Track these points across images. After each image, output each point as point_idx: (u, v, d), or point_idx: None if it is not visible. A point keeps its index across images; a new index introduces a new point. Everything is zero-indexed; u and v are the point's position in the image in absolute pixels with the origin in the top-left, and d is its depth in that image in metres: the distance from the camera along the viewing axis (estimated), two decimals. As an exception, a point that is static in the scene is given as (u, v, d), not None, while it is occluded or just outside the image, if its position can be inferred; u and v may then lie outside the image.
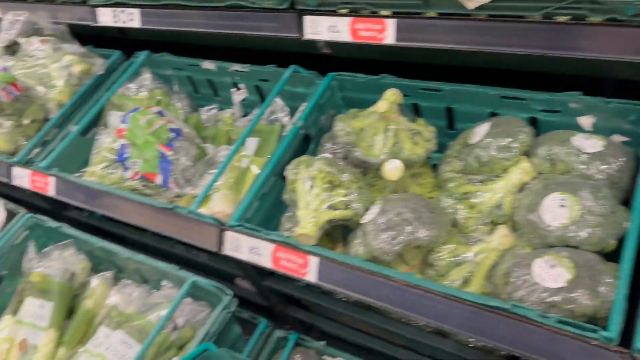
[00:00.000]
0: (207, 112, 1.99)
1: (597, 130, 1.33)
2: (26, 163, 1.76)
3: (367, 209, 1.24)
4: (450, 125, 1.54)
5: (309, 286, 1.55)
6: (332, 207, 1.24)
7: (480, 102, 1.44)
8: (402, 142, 1.38)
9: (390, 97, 1.36)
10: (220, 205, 1.53)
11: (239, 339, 1.48)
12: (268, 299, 1.59)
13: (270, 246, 1.27)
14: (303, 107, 1.57)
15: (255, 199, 1.41)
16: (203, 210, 1.50)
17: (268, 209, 1.46)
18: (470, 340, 1.24)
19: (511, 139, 1.30)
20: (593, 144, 1.24)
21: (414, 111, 1.55)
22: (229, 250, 1.34)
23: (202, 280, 1.40)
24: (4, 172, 1.78)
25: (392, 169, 1.33)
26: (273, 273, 1.50)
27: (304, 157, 1.31)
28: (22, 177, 1.72)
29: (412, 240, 1.13)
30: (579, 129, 1.35)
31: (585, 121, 1.33)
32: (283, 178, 1.50)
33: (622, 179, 1.21)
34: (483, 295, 1.17)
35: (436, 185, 1.47)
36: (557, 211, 1.08)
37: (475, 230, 1.29)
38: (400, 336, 1.36)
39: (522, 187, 1.29)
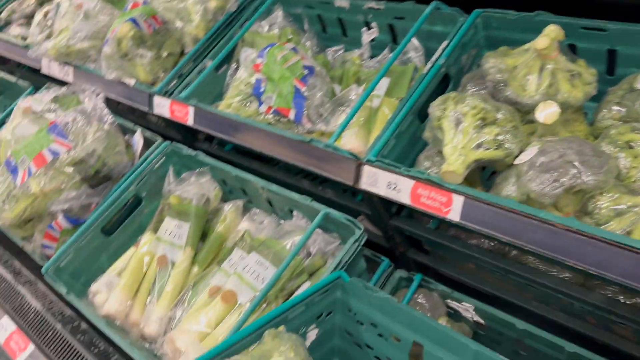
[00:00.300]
0: (334, 54, 1.96)
1: None
2: (165, 93, 1.84)
3: (520, 151, 1.17)
4: (610, 71, 1.41)
5: (438, 228, 1.51)
6: (483, 146, 1.18)
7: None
8: (559, 83, 1.28)
9: (552, 33, 1.26)
10: (353, 141, 1.52)
11: (364, 274, 1.48)
12: (391, 240, 1.58)
13: (410, 182, 1.24)
14: (444, 45, 1.50)
15: (392, 136, 1.38)
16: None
17: (403, 148, 1.42)
18: (620, 296, 1.16)
19: (691, 84, 1.17)
20: None
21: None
22: (365, 184, 1.33)
23: (335, 212, 1.41)
24: (145, 101, 1.88)
25: (548, 112, 1.24)
26: (400, 213, 1.48)
27: (452, 93, 1.26)
28: (162, 106, 1.80)
29: (577, 184, 1.05)
30: None
31: None
32: (420, 117, 1.46)
33: None
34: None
35: (589, 134, 1.36)
36: None
37: (637, 180, 1.19)
38: (536, 287, 1.30)
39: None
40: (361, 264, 1.44)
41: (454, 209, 1.18)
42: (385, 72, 1.55)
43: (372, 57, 1.89)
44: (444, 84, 1.51)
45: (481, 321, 1.41)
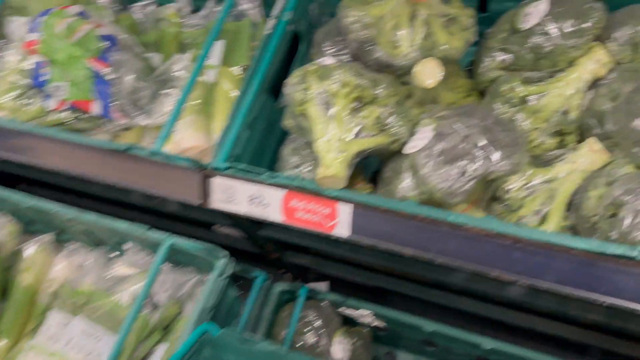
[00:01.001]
0: (143, 10, 1.51)
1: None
2: None
3: (410, 132, 0.91)
4: (482, 7, 1.19)
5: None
6: (363, 133, 0.90)
7: (528, -28, 1.08)
8: (436, 34, 1.02)
9: (419, -29, 0.98)
10: (191, 137, 1.15)
11: (235, 302, 1.18)
12: (262, 248, 1.28)
13: (280, 193, 0.93)
14: (284, -4, 1.16)
15: (244, 127, 1.04)
16: (171, 148, 1.11)
17: (260, 141, 1.09)
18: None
19: (581, 20, 0.98)
20: (689, 19, 0.95)
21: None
22: (219, 202, 0.99)
23: (184, 242, 1.06)
24: None
25: (428, 72, 0.99)
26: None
27: (312, 66, 0.94)
28: None
29: (490, 173, 0.83)
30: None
31: (671, -11, 1.03)
32: (274, 94, 1.13)
33: None
34: (563, 230, 0.92)
35: (471, 89, 1.15)
36: (679, 116, 0.80)
37: (541, 145, 1.00)
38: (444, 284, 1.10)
39: (593, 84, 1.00)
40: (230, 293, 1.12)
41: (341, 222, 0.90)
42: (217, 32, 1.17)
43: (195, 10, 1.48)
44: (294, 45, 1.18)
45: (383, 324, 1.20)
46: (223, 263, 1.03)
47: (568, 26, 0.98)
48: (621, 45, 0.98)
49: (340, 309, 1.22)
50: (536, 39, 1.01)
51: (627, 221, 0.78)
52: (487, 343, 1.07)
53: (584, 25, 0.98)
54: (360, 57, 1.06)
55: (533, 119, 0.99)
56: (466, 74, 1.16)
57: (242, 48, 1.29)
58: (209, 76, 1.25)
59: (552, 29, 0.99)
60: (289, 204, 0.93)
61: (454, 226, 0.82)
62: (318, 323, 1.18)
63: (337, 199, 0.89)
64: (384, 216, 0.87)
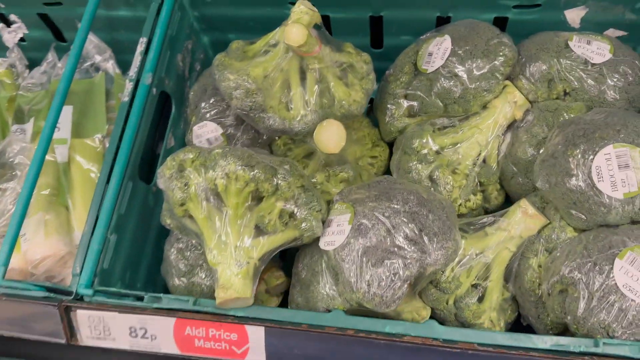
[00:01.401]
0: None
1: (585, 27, 0.97)
2: None
3: (322, 219, 0.74)
4: (376, 42, 1.05)
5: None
6: (266, 232, 0.72)
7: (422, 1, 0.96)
8: (332, 89, 0.87)
9: (304, 17, 0.81)
10: (43, 244, 0.90)
11: None
12: None
13: (168, 322, 0.73)
14: (141, 48, 0.94)
15: (110, 229, 0.81)
16: (18, 265, 0.86)
17: (133, 240, 0.87)
18: None
19: (490, 58, 0.87)
20: (598, 49, 0.87)
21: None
22: (90, 338, 0.76)
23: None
24: None
25: (330, 136, 0.84)
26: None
27: (189, 153, 0.74)
28: None
29: (426, 270, 0.69)
30: (559, 27, 0.97)
31: (574, 15, 0.95)
32: (146, 173, 0.92)
33: (638, 95, 0.88)
34: (505, 302, 0.81)
35: (378, 138, 1.01)
36: (617, 174, 0.71)
37: (466, 204, 0.89)
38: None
39: (509, 127, 0.90)
40: None
41: (253, 348, 0.72)
42: (64, 94, 0.91)
43: (30, 65, 1.20)
44: (163, 106, 0.97)
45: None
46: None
47: (477, 67, 0.87)
48: (535, 82, 0.89)
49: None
50: (443, 83, 0.88)
51: (582, 304, 0.68)
52: None
53: (494, 64, 0.87)
54: (249, 122, 0.88)
55: (453, 176, 0.87)
56: (369, 121, 1.02)
57: (97, 112, 1.05)
58: (60, 154, 1.00)
59: (460, 71, 0.87)
60: (183, 333, 0.73)
61: (393, 338, 0.68)
62: None
63: (244, 321, 0.71)
64: (305, 335, 0.70)
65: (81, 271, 0.78)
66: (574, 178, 0.73)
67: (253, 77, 0.81)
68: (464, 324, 0.80)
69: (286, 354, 0.71)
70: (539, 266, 0.78)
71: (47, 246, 0.88)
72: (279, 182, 0.70)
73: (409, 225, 0.68)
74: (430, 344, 0.67)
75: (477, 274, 0.81)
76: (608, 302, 0.66)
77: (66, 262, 0.89)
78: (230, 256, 0.70)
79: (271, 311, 0.71)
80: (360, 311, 0.71)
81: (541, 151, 0.82)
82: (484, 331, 0.67)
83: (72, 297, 0.77)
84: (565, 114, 0.86)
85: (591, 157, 0.72)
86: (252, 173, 0.69)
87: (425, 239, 0.68)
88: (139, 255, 0.89)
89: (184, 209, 0.73)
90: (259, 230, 0.72)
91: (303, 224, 0.72)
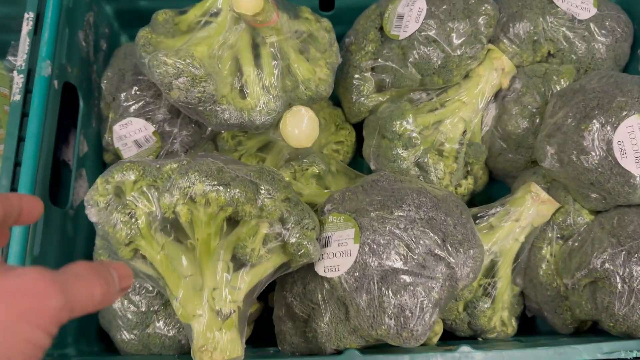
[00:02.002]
0: None
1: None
2: None
3: (317, 236, 0.59)
4: (325, 3, 0.88)
5: None
6: (246, 262, 0.55)
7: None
8: (293, 66, 0.70)
9: (260, -22, 0.63)
10: None
11: None
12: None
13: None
14: (29, 27, 0.70)
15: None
16: None
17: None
18: None
19: (472, 19, 0.75)
20: (582, 3, 0.78)
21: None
22: None
23: None
24: None
25: (302, 126, 0.67)
26: None
27: (130, 170, 0.54)
28: None
29: (456, 288, 0.56)
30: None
31: (550, -35, 0.85)
32: (55, 199, 0.70)
33: (624, 52, 0.80)
34: (513, 297, 0.72)
35: (340, 119, 0.86)
36: (641, 149, 0.63)
37: (457, 189, 0.78)
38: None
39: (492, 98, 0.80)
40: None
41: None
42: None
43: None
44: (69, 102, 0.74)
45: None
46: None
47: (458, 30, 0.74)
48: (520, 44, 0.78)
49: None
50: (421, 52, 0.75)
51: (621, 301, 0.60)
52: None
53: (477, 26, 0.75)
54: (193, 117, 0.69)
55: (444, 160, 0.75)
56: (328, 101, 0.87)
57: (-25, 115, 0.79)
58: None
59: (440, 35, 0.74)
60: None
61: (420, 375, 0.55)
62: None
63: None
64: (313, 386, 0.55)
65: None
66: (591, 156, 0.64)
67: (199, 59, 0.62)
68: (476, 332, 0.70)
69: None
70: (551, 255, 0.69)
71: None
72: (263, 201, 0.53)
73: (431, 236, 0.55)
74: (466, 375, 0.56)
75: (485, 273, 0.70)
76: (653, 296, 0.59)
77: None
78: (208, 306, 0.52)
79: (268, 364, 0.56)
80: (375, 344, 0.58)
81: (542, 125, 0.73)
82: (526, 350, 0.56)
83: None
84: (555, 79, 0.76)
85: (611, 130, 0.63)
86: (228, 194, 0.51)
87: (451, 250, 0.56)
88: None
89: (131, 248, 0.54)
90: (238, 262, 0.55)
91: (295, 249, 0.56)
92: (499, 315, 0.71)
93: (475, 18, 0.75)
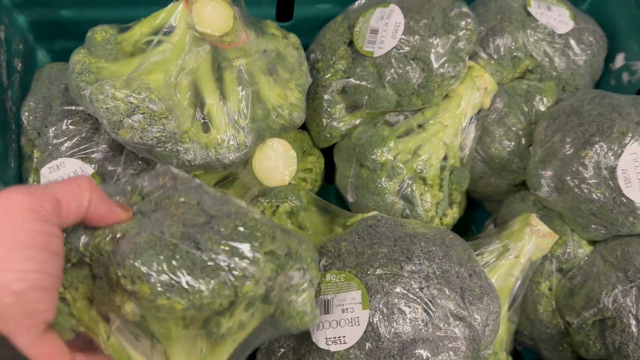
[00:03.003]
0: None
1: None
2: None
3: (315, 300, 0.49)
4: (284, 13, 0.78)
5: None
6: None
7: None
8: (264, 90, 0.60)
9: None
10: None
11: None
12: None
13: None
14: None
15: None
16: None
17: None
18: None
19: (453, 34, 0.68)
20: (560, 17, 0.74)
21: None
22: None
23: None
24: None
25: (279, 163, 0.58)
26: None
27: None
28: None
29: (478, 350, 0.49)
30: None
31: (522, -26, 0.80)
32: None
33: (599, 67, 0.78)
34: (509, 335, 0.67)
35: (308, 145, 0.77)
36: (643, 177, 0.59)
37: (443, 222, 0.71)
38: None
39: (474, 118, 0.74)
40: None
41: None
42: None
43: None
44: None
45: None
46: None
47: (439, 47, 0.67)
48: (500, 60, 0.73)
49: None
50: (400, 70, 0.67)
51: (635, 340, 0.56)
52: None
53: (457, 43, 0.68)
54: (147, 157, 0.57)
55: (430, 190, 0.68)
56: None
57: None
58: None
59: (419, 53, 0.67)
60: None
61: None
62: None
63: None
64: None
65: None
66: (593, 184, 0.60)
67: (156, 91, 0.50)
68: (478, 379, 0.65)
69: None
70: (550, 290, 0.64)
71: None
72: (242, 286, 0.42)
73: (448, 294, 0.48)
74: None
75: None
76: (668, 336, 0.55)
77: None
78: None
79: None
80: None
81: (532, 150, 0.68)
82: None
83: None
84: (538, 98, 0.72)
85: (614, 158, 0.59)
86: (186, 300, 0.39)
87: (471, 307, 0.49)
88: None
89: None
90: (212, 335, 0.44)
91: (286, 318, 0.46)
92: (498, 356, 0.65)
93: (456, 33, 0.68)
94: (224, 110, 0.56)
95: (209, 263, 0.39)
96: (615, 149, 0.59)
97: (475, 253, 0.64)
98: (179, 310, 0.39)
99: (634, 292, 0.57)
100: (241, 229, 0.42)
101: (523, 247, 0.63)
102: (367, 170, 0.68)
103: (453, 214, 0.72)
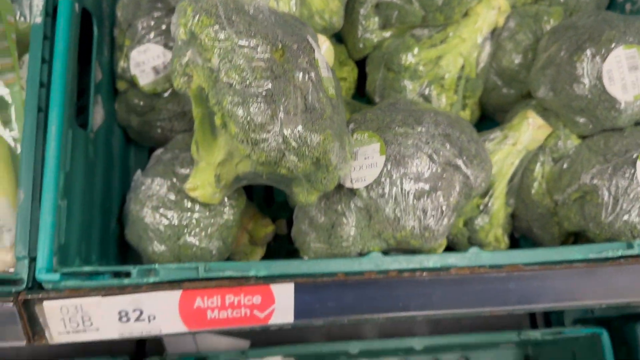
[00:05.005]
0: None
1: None
2: None
3: (340, 144, 0.63)
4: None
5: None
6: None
7: None
8: (310, -4, 0.73)
9: None
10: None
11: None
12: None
13: (172, 297, 0.59)
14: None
15: (58, 194, 0.62)
16: None
17: (81, 204, 0.69)
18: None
19: (473, -41, 0.80)
20: (571, -52, 0.85)
21: None
22: (62, 334, 0.59)
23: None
24: None
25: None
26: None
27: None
28: None
29: (470, 196, 0.63)
30: None
31: None
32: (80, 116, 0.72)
33: (605, -5, 0.88)
34: (507, 216, 0.80)
35: (344, 56, 0.90)
36: (627, 77, 0.70)
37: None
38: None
39: (489, 36, 0.85)
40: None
41: (279, 309, 0.61)
42: None
43: None
44: (85, 30, 0.75)
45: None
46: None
47: (462, -32, 0.79)
48: (515, -14, 0.84)
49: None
50: (428, -12, 0.79)
51: (606, 210, 0.68)
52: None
53: (477, -34, 0.80)
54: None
55: (445, 92, 0.81)
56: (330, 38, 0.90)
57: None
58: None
59: (444, -28, 0.79)
60: (191, 307, 0.59)
61: (438, 273, 0.62)
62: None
63: (269, 281, 0.60)
64: (341, 285, 0.61)
65: (29, 252, 0.59)
66: (582, 84, 0.71)
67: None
68: (474, 246, 0.78)
69: (317, 309, 0.62)
70: (542, 176, 0.76)
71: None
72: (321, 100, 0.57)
73: (449, 148, 0.61)
74: (477, 272, 0.63)
75: (483, 193, 0.77)
76: (634, 204, 0.67)
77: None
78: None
79: (299, 265, 0.61)
80: (396, 247, 0.64)
81: (535, 59, 0.79)
82: (528, 250, 0.64)
83: (25, 286, 0.58)
84: (546, 19, 0.83)
85: (601, 61, 0.70)
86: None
87: (467, 161, 0.62)
88: (89, 223, 0.71)
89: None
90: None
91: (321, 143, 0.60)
92: (494, 231, 0.78)
93: (476, -43, 0.80)
94: (277, 9, 0.70)
95: None
96: (603, 52, 0.70)
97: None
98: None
99: (609, 171, 0.69)
100: None
101: (520, 136, 0.75)
102: (393, 73, 0.81)
103: (465, 115, 0.84)
